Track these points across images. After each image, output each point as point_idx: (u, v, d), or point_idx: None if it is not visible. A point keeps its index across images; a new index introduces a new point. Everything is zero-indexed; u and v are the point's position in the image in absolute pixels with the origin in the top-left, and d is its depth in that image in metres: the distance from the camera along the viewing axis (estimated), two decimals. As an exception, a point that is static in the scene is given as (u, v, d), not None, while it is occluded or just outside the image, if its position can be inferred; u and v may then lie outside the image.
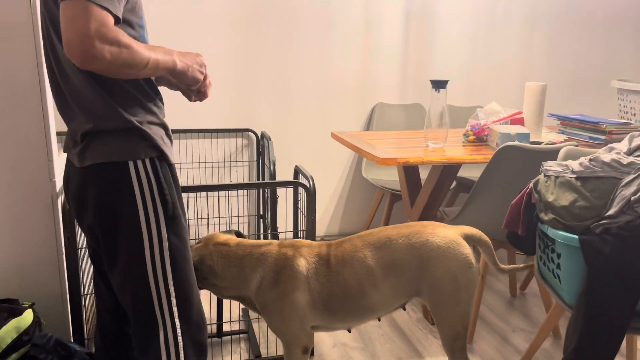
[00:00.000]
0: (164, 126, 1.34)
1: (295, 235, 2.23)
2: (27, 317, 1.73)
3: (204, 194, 3.11)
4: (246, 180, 3.31)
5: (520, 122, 2.63)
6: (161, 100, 1.36)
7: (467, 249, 1.73)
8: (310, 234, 2.10)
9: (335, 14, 3.30)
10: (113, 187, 1.27)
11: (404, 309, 1.85)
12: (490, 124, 2.59)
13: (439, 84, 2.43)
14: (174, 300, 1.31)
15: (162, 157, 1.31)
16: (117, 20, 1.15)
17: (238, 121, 3.29)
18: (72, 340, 1.97)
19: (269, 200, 2.64)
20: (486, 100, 3.58)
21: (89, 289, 2.19)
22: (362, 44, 3.39)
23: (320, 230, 3.56)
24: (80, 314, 1.95)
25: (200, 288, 1.76)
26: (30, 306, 1.80)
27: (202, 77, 1.36)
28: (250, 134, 3.30)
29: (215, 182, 3.26)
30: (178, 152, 3.19)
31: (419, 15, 3.46)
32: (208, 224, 3.19)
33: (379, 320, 1.89)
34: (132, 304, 1.32)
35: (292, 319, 1.70)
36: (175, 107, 3.12)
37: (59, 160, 1.93)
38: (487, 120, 2.62)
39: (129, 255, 1.29)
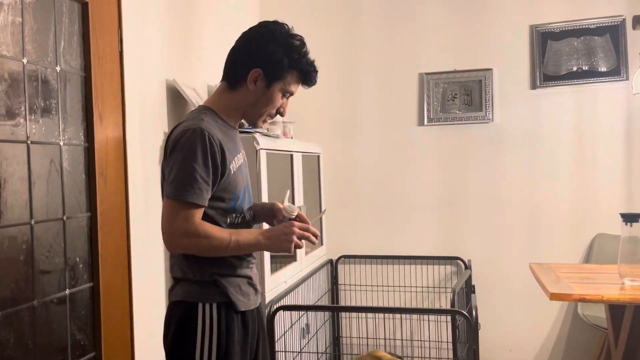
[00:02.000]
0: (245, 276, 1.58)
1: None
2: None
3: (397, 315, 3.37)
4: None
5: None
6: (251, 254, 1.62)
7: None
8: (472, 363, 2.17)
9: (542, 136, 3.34)
10: (183, 323, 1.51)
11: None
12: None
13: (630, 218, 2.30)
14: None
15: (230, 304, 1.52)
16: (204, 205, 1.47)
17: (448, 249, 3.50)
18: None
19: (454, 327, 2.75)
20: None
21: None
22: (575, 166, 3.31)
23: (536, 366, 3.37)
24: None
25: None
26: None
27: (290, 246, 1.53)
28: (459, 261, 3.47)
29: (425, 306, 3.48)
30: (392, 276, 3.54)
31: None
32: (412, 345, 3.38)
33: None
34: None
35: None
36: (390, 236, 3.57)
37: (271, 279, 2.50)
38: None
39: None
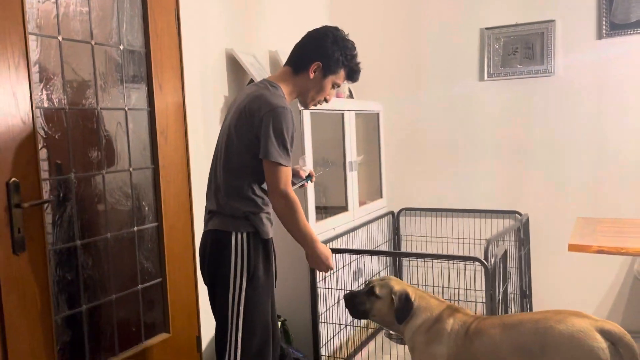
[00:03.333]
0: (266, 213, 1.94)
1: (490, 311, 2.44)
2: (276, 326, 2.62)
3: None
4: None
5: None
6: (268, 205, 1.96)
7: (596, 342, 1.69)
8: (489, 307, 2.32)
9: (609, 88, 3.22)
10: (220, 247, 1.89)
11: None
12: None
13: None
14: (240, 333, 1.88)
15: (257, 233, 1.91)
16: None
17: (508, 203, 3.55)
18: (313, 353, 2.75)
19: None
20: None
21: (324, 316, 2.91)
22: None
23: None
24: (317, 333, 2.72)
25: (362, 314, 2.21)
26: (282, 321, 2.69)
27: (323, 268, 2.01)
28: (517, 215, 3.51)
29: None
30: (452, 228, 3.67)
31: None
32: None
33: None
34: (216, 327, 1.95)
35: None
36: (451, 190, 3.68)
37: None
38: None
39: (220, 296, 1.90)
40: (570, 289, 3.39)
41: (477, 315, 2.07)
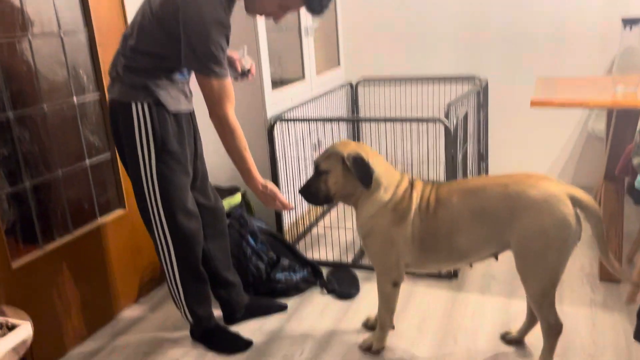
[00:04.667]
0: (173, 88, 1.77)
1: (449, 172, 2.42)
2: (237, 198, 2.57)
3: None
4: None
5: None
6: (182, 81, 1.83)
7: (567, 208, 1.62)
8: (450, 168, 2.31)
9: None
10: (121, 119, 1.75)
11: (497, 259, 1.84)
12: None
13: (631, 22, 2.19)
14: (162, 212, 1.80)
15: (160, 104, 1.73)
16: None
17: (468, 68, 3.47)
18: (276, 223, 2.75)
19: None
20: None
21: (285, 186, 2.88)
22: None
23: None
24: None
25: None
26: (242, 193, 2.64)
27: (261, 198, 1.87)
28: (476, 80, 3.45)
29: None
30: (412, 96, 3.59)
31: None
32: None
33: (471, 266, 1.87)
34: (137, 207, 1.86)
35: (390, 253, 1.84)
36: (410, 58, 3.56)
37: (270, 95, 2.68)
38: None
39: (132, 171, 1.80)
40: (525, 149, 3.46)
41: (432, 184, 1.89)
